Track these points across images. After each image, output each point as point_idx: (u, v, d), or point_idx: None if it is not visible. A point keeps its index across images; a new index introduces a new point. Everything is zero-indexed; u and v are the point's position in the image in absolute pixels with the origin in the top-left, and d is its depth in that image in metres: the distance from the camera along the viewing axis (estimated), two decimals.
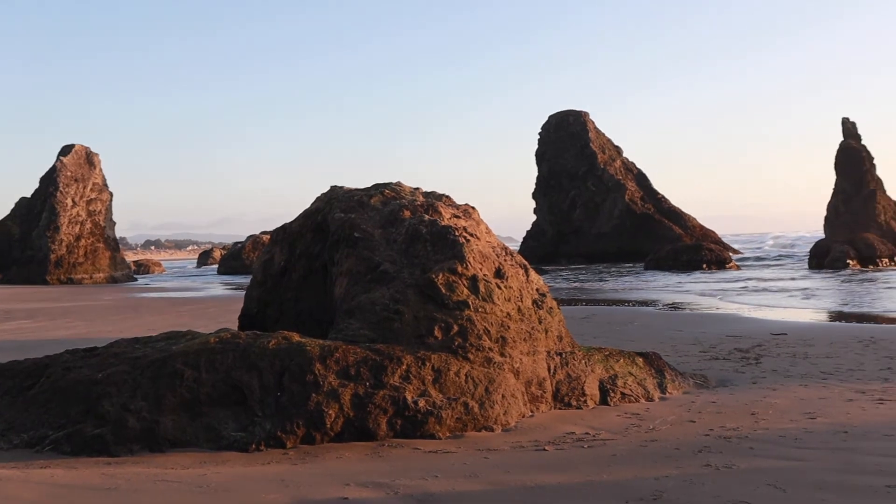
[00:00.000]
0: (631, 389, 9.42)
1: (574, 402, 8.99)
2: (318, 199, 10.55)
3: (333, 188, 10.55)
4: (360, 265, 9.13)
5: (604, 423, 8.30)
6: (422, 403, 7.76)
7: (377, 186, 10.26)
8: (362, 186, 10.40)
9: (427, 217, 9.46)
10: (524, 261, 9.81)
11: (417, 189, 10.28)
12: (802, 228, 77.22)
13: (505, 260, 9.37)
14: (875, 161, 71.86)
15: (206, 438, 7.33)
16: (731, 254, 57.38)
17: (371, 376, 7.79)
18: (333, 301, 9.50)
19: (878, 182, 71.11)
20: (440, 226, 9.24)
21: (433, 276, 8.63)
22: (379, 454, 7.24)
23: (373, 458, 7.12)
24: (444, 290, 8.56)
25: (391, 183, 10.32)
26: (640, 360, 9.97)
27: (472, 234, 9.23)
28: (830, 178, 72.79)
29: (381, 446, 7.50)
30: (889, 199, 70.76)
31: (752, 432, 7.77)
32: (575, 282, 42.76)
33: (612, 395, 9.25)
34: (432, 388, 7.89)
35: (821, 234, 68.52)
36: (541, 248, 73.64)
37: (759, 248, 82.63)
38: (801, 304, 25.88)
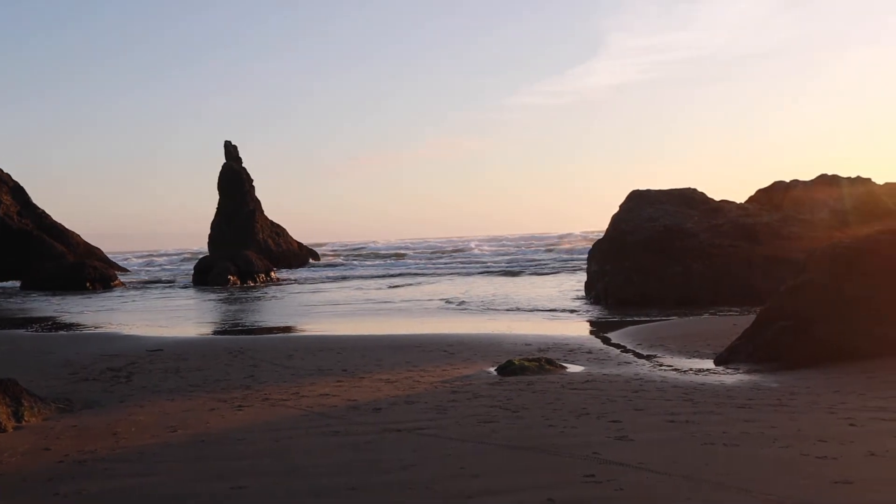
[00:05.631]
0: None
1: None
2: None
3: None
4: None
5: None
6: None
7: None
8: None
9: None
10: None
11: None
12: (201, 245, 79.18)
13: None
14: (255, 183, 77.03)
15: None
16: (117, 272, 56.46)
17: None
18: None
19: (257, 202, 76.29)
20: None
21: None
22: None
23: None
24: None
25: None
26: None
27: None
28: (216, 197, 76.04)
29: None
30: (267, 218, 76.31)
31: (110, 453, 7.57)
32: None
33: None
34: None
35: None
36: None
37: (150, 266, 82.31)
38: (177, 320, 26.40)
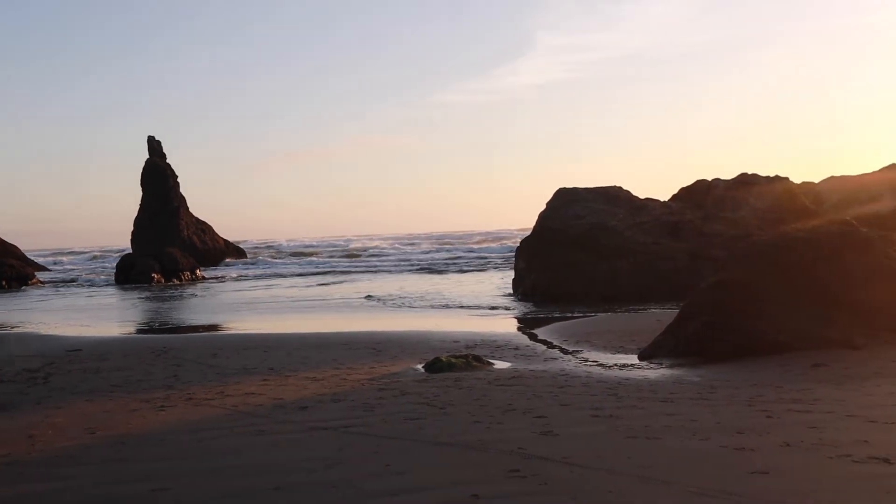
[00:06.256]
0: None
1: None
2: None
3: None
4: None
5: None
6: None
7: None
8: None
9: None
10: None
11: None
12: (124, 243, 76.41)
13: None
14: (179, 179, 75.61)
15: None
16: (35, 270, 54.88)
17: None
18: None
19: (182, 199, 74.92)
20: None
21: None
22: None
23: None
24: None
25: None
26: None
27: None
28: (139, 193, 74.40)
29: None
30: (192, 215, 75.01)
31: (25, 456, 7.33)
32: None
33: None
34: None
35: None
36: None
37: (56, 265, 79.65)
38: (98, 320, 25.80)
